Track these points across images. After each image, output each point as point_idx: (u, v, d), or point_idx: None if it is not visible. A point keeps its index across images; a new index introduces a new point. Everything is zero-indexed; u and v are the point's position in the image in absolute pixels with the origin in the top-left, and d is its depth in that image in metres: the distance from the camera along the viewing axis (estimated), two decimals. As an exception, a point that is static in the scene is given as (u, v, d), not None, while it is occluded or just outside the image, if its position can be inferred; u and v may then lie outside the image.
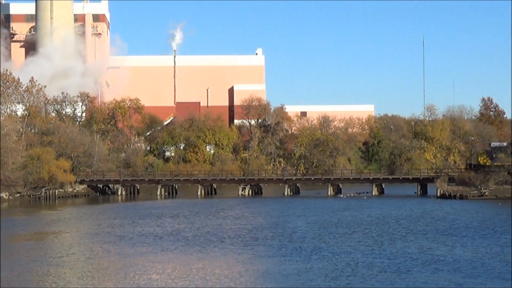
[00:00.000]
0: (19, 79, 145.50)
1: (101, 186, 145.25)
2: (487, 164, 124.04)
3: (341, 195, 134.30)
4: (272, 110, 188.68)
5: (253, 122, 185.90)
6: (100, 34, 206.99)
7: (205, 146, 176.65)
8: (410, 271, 51.26)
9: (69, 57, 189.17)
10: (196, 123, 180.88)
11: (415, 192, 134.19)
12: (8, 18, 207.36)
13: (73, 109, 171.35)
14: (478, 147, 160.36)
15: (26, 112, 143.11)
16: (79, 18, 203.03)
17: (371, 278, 48.88)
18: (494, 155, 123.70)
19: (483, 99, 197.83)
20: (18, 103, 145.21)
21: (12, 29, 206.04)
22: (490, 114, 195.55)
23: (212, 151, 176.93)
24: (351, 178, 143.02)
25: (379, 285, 46.67)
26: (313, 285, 47.09)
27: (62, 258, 58.52)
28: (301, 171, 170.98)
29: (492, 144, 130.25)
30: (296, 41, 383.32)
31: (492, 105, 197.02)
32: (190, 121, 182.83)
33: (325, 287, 46.61)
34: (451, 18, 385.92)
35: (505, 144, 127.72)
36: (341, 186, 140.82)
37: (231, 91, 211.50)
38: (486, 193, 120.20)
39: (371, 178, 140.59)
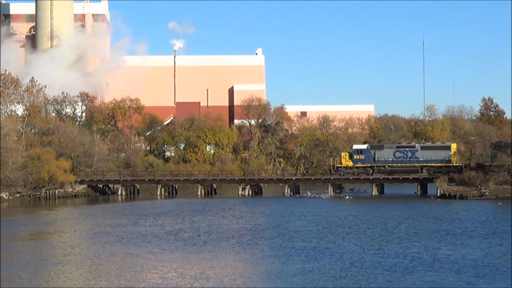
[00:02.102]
0: (18, 79, 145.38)
1: (101, 186, 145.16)
2: (349, 165, 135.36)
3: (304, 194, 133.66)
4: (272, 110, 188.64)
5: (253, 122, 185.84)
6: (100, 34, 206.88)
7: (205, 146, 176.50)
8: (417, 270, 51.17)
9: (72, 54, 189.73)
10: (196, 123, 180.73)
11: (415, 192, 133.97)
12: (8, 18, 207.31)
13: (73, 109, 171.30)
14: (478, 147, 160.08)
15: (26, 112, 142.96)
16: (79, 18, 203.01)
17: (377, 277, 48.79)
18: (355, 157, 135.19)
19: (484, 99, 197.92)
20: (18, 103, 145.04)
21: (12, 29, 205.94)
22: (490, 114, 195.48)
23: (212, 151, 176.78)
24: (351, 178, 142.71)
25: (386, 285, 46.59)
26: (320, 285, 46.97)
27: (63, 258, 58.37)
28: (301, 171, 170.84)
29: (354, 146, 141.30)
30: (296, 41, 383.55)
31: (492, 105, 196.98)
32: (190, 121, 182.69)
33: (332, 287, 46.54)
34: (451, 18, 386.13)
35: (365, 146, 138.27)
36: (342, 186, 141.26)
37: (231, 91, 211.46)
38: (486, 193, 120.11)
39: (371, 178, 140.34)
